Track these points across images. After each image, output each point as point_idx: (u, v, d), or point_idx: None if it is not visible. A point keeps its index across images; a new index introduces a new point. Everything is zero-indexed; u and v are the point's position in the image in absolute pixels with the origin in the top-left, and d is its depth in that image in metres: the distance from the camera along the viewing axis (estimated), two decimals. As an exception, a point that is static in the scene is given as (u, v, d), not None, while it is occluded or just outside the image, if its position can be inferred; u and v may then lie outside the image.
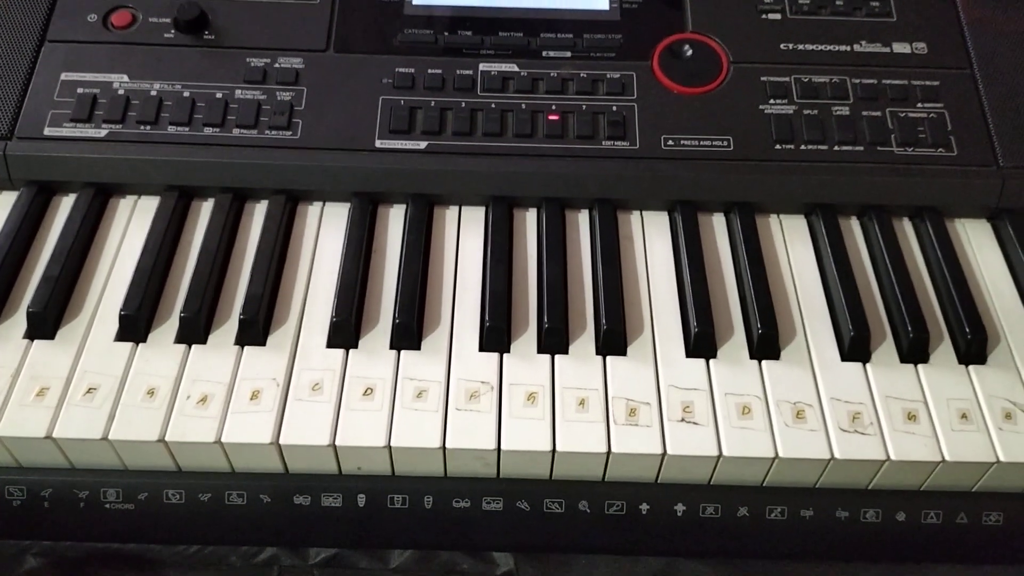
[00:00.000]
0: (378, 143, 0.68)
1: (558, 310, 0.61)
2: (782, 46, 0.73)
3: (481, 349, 0.61)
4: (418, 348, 0.60)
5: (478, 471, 0.58)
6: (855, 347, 0.61)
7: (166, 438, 0.56)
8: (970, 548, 0.60)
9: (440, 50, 0.72)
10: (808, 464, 0.57)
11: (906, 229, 0.69)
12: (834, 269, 0.65)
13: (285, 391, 0.58)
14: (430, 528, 0.60)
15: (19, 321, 0.61)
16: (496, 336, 0.60)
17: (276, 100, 0.69)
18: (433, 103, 0.69)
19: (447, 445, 0.56)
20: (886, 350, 0.62)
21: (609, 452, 0.56)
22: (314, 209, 0.69)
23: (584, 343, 0.61)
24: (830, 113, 0.70)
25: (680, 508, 0.59)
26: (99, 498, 0.58)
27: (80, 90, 0.69)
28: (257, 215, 0.68)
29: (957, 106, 0.70)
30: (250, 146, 0.67)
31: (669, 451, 0.56)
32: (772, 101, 0.70)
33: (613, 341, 0.61)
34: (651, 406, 0.58)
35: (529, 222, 0.69)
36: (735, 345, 0.62)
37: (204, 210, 0.68)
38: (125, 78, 0.70)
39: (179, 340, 0.60)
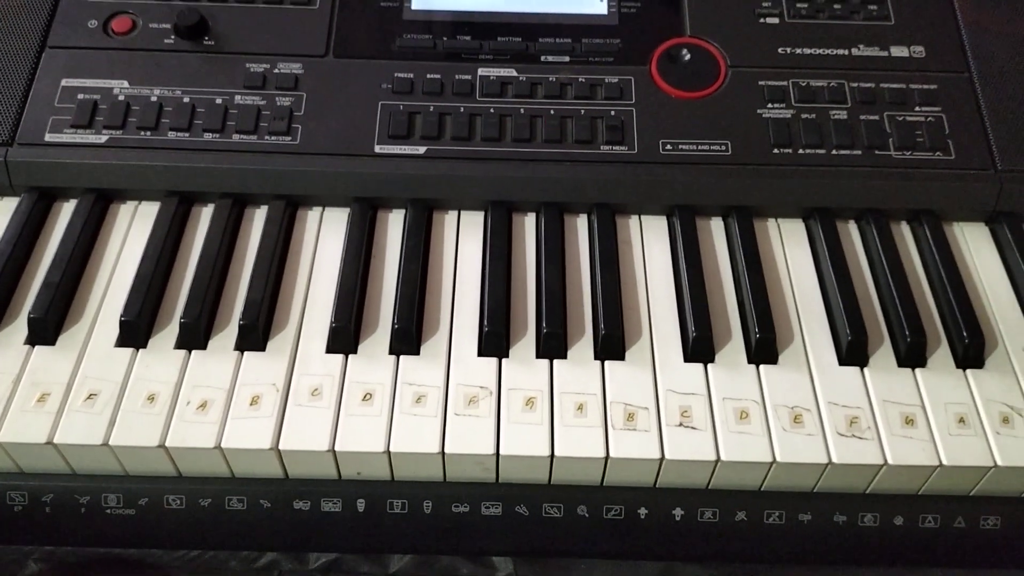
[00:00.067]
0: (377, 148, 0.68)
1: (557, 315, 0.61)
2: (780, 50, 0.73)
3: (480, 354, 0.61)
4: (417, 353, 0.61)
5: (477, 476, 0.58)
6: (853, 351, 0.61)
7: (166, 444, 0.56)
8: (968, 552, 0.60)
9: (439, 55, 0.72)
10: (806, 468, 0.57)
11: (904, 233, 0.69)
12: (832, 273, 0.65)
13: (285, 396, 0.58)
14: (429, 533, 0.60)
15: (20, 327, 0.61)
16: (495, 341, 0.61)
17: (276, 105, 0.69)
18: (432, 108, 0.70)
19: (446, 450, 0.56)
20: (884, 354, 0.62)
21: (607, 457, 0.56)
22: (313, 214, 0.69)
23: (583, 348, 0.61)
24: (828, 117, 0.70)
25: (678, 512, 0.59)
26: (100, 503, 0.59)
27: (81, 96, 0.69)
28: (257, 221, 0.68)
29: (955, 110, 0.70)
30: (250, 152, 0.68)
31: (667, 456, 0.56)
32: (770, 105, 0.70)
33: (611, 346, 0.61)
34: (649, 411, 0.58)
35: (528, 227, 0.69)
36: (733, 349, 0.62)
37: (204, 216, 0.69)
38: (125, 84, 0.70)
39: (179, 346, 0.61)
